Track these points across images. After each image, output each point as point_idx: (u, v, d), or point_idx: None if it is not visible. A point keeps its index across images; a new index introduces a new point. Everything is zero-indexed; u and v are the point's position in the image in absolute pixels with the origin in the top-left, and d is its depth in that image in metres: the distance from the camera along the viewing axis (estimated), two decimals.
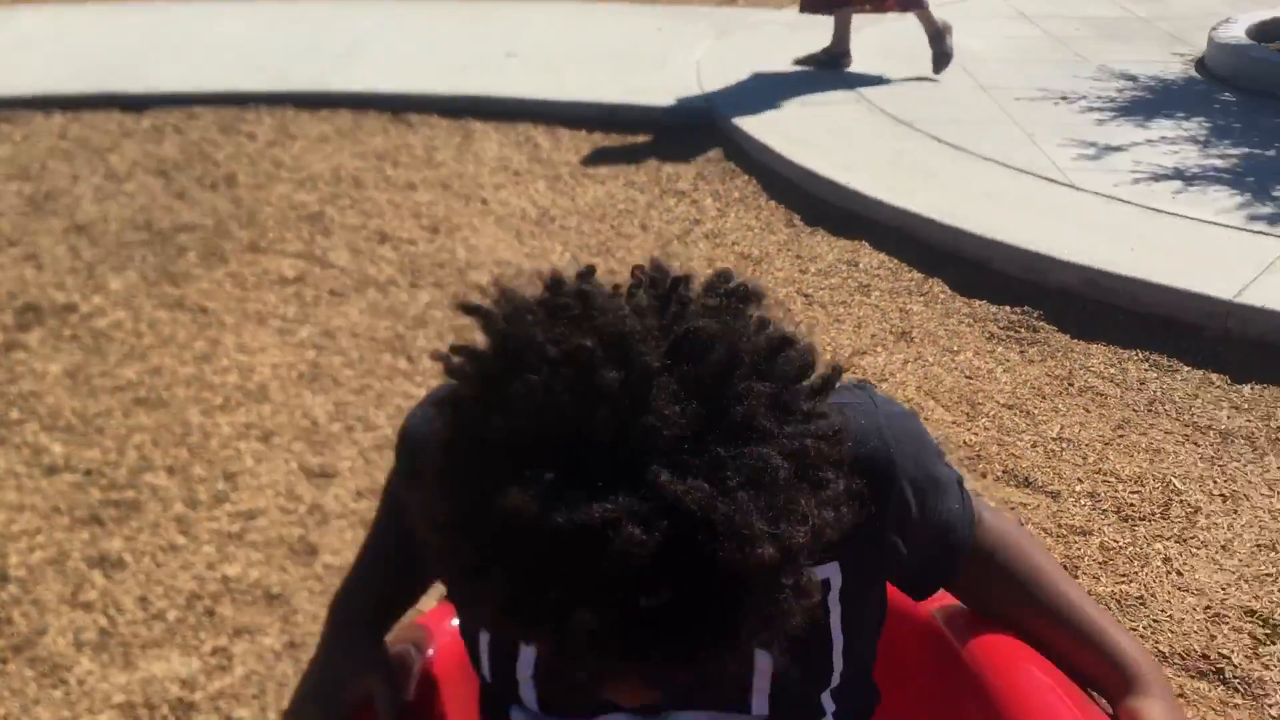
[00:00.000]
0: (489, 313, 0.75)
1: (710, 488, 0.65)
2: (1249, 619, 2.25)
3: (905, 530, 0.95)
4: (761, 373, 0.70)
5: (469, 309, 0.77)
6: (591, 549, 0.63)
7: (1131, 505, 2.61)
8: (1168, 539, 2.50)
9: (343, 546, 2.48)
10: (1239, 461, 2.77)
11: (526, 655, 0.94)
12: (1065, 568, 2.39)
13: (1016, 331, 3.39)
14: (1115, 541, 2.49)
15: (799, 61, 5.78)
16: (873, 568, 0.95)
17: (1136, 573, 2.39)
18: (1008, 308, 3.50)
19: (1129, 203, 3.96)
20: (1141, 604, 2.29)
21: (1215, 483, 2.69)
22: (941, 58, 5.49)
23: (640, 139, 5.10)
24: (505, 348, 0.72)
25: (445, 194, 4.52)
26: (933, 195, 4.04)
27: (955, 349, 3.30)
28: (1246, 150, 4.55)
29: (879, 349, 3.30)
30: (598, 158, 4.92)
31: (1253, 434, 2.88)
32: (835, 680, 0.97)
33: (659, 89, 5.52)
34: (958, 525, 1.01)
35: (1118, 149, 4.53)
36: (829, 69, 5.69)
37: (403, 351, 3.31)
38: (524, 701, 0.96)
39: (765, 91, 5.40)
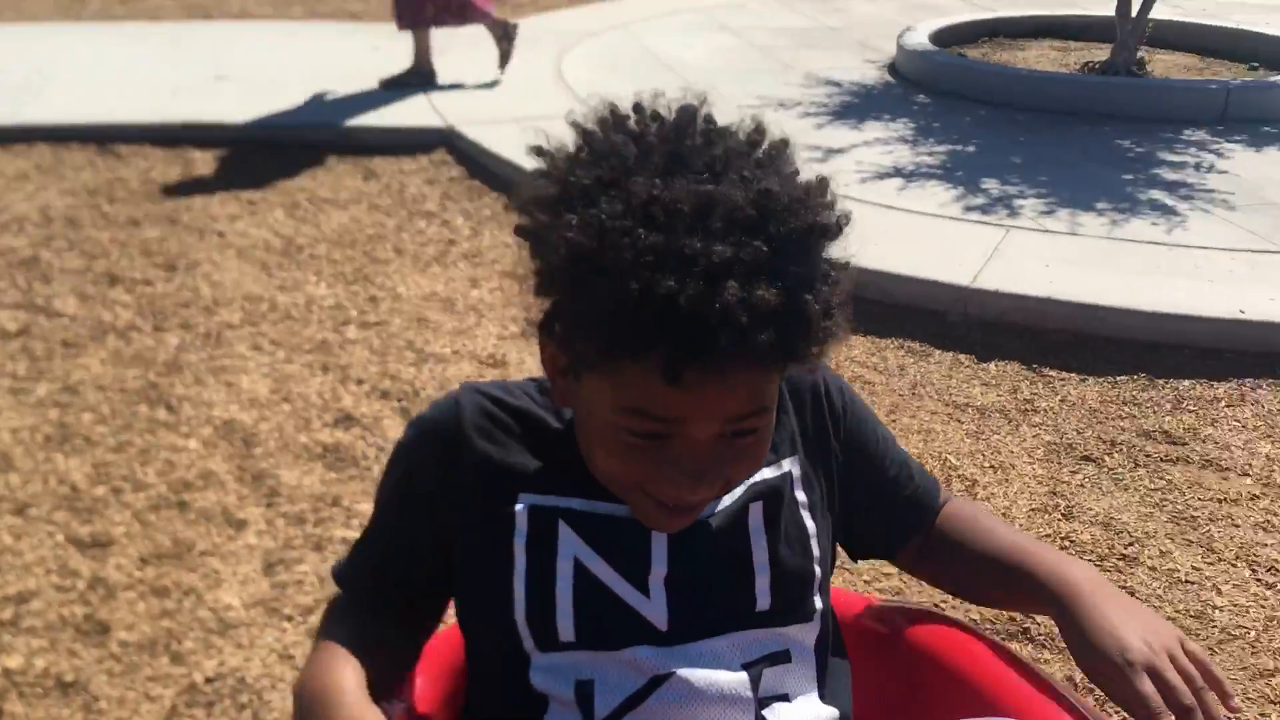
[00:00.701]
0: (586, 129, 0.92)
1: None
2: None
3: (843, 438, 1.10)
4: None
5: (574, 124, 0.93)
6: (709, 211, 0.82)
7: None
8: None
9: (137, 620, 2.27)
10: (999, 434, 3.01)
11: (564, 580, 0.99)
12: None
13: None
14: None
15: (385, 83, 5.74)
16: (824, 470, 1.09)
17: None
18: None
19: (862, 201, 4.21)
20: None
21: (983, 455, 2.91)
22: (506, 56, 5.90)
23: (378, 161, 4.97)
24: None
25: (175, 228, 4.23)
26: None
27: None
28: (950, 147, 4.95)
29: None
30: (335, 182, 4.75)
31: (1005, 408, 3.13)
32: (818, 573, 1.05)
33: (391, 109, 5.39)
34: (917, 478, 1.15)
35: (840, 151, 4.82)
36: (417, 87, 5.70)
37: (160, 401, 3.07)
38: (559, 633, 0.99)
39: (500, 108, 5.38)
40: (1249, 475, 2.82)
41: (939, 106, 5.61)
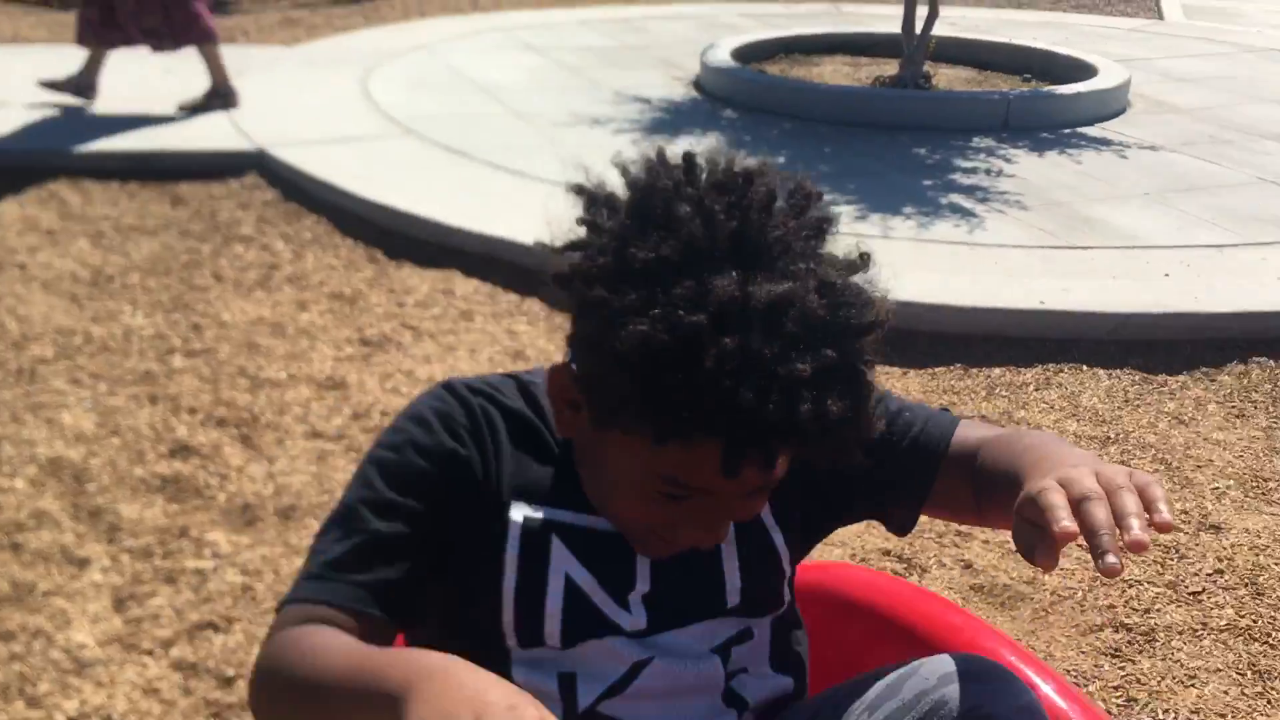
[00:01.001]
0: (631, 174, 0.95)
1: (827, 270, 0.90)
2: (886, 557, 2.59)
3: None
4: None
5: (622, 170, 0.96)
6: (783, 312, 0.84)
7: None
8: None
9: None
10: None
11: (554, 594, 1.01)
12: None
13: None
14: None
15: (184, 107, 5.54)
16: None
17: None
18: None
19: None
20: None
21: None
22: (207, 106, 5.55)
23: (185, 187, 4.79)
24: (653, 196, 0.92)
25: None
26: (513, 219, 4.18)
27: None
28: (762, 159, 5.14)
29: (500, 370, 3.37)
30: (140, 209, 4.56)
31: None
32: (787, 571, 1.10)
33: (195, 134, 5.21)
34: (925, 424, 1.13)
35: None
36: (217, 109, 5.56)
37: None
38: (545, 638, 1.01)
39: (310, 129, 5.27)
40: None
41: (746, 121, 5.82)
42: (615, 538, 1.03)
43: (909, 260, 3.95)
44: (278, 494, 2.70)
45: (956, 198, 4.66)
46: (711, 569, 1.07)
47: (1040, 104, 5.85)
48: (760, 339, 0.83)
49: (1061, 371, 3.47)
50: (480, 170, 4.77)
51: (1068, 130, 5.69)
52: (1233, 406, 3.28)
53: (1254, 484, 2.89)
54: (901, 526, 1.16)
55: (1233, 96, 6.58)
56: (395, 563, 0.99)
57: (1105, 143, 5.56)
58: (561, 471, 1.04)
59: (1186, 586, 2.49)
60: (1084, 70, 6.43)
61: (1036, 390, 3.36)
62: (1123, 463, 2.96)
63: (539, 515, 1.03)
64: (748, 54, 6.87)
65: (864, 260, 0.93)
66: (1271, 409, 3.27)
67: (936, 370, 3.46)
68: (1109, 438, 3.09)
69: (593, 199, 0.96)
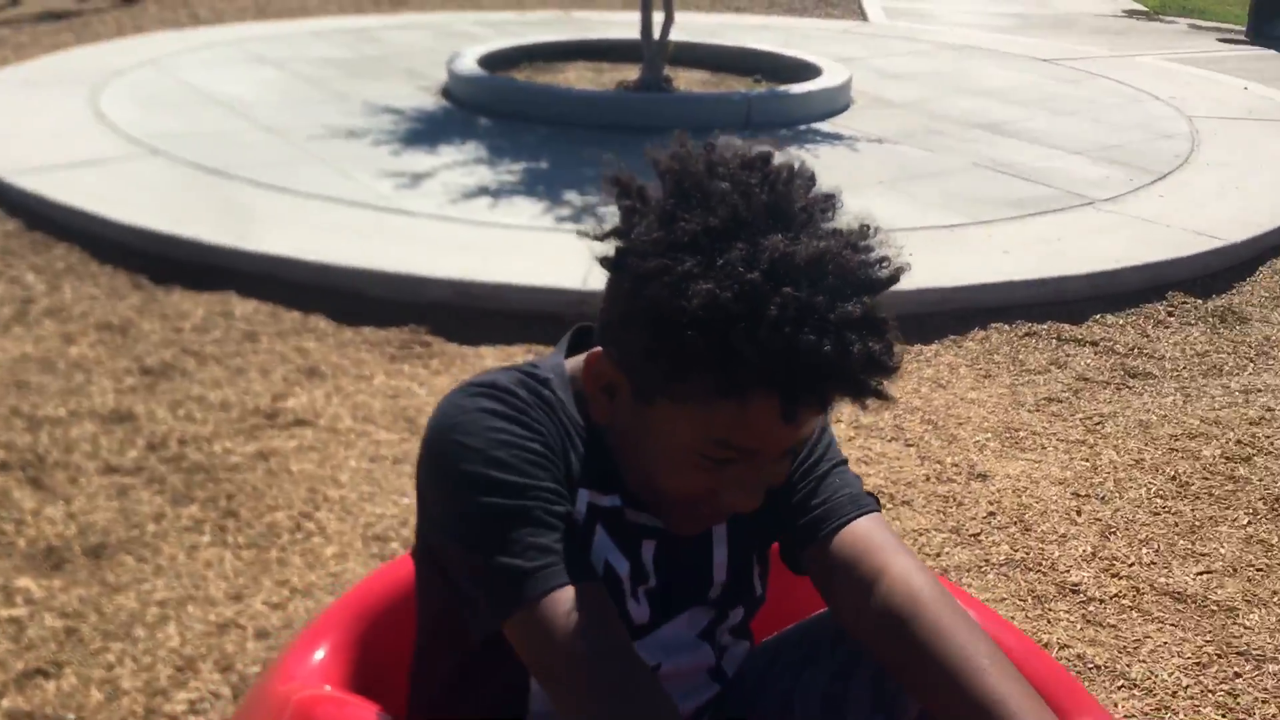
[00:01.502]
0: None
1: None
2: None
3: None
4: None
5: (654, 161, 1.05)
6: (825, 266, 0.94)
7: None
8: None
9: None
10: None
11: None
12: None
13: (412, 349, 3.62)
14: None
15: None
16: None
17: None
18: (395, 329, 3.72)
19: (460, 220, 4.38)
20: None
21: None
22: None
23: None
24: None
25: None
26: (284, 235, 4.10)
27: (368, 375, 3.45)
28: (525, 164, 5.24)
29: (297, 389, 3.33)
30: None
31: None
32: (758, 566, 1.18)
33: None
34: (832, 495, 1.15)
35: (426, 175, 4.96)
36: None
37: None
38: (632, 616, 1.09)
39: (45, 155, 4.97)
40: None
41: (502, 128, 5.90)
42: (639, 529, 1.10)
43: None
44: (82, 534, 2.59)
45: None
46: (702, 562, 1.15)
47: (777, 103, 6.23)
48: (810, 290, 0.92)
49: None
50: (241, 188, 4.64)
51: (803, 126, 6.08)
52: (980, 369, 3.65)
53: (1007, 435, 3.24)
54: (791, 565, 1.19)
55: (940, 90, 7.19)
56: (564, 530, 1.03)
57: (838, 137, 5.98)
58: (602, 459, 1.09)
59: (967, 530, 2.77)
60: (808, 70, 6.88)
61: None
62: (898, 427, 3.25)
63: (591, 500, 1.09)
64: (492, 62, 6.95)
65: (869, 228, 1.03)
66: (1011, 368, 3.66)
67: None
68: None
69: (626, 188, 1.04)
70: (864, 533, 1.12)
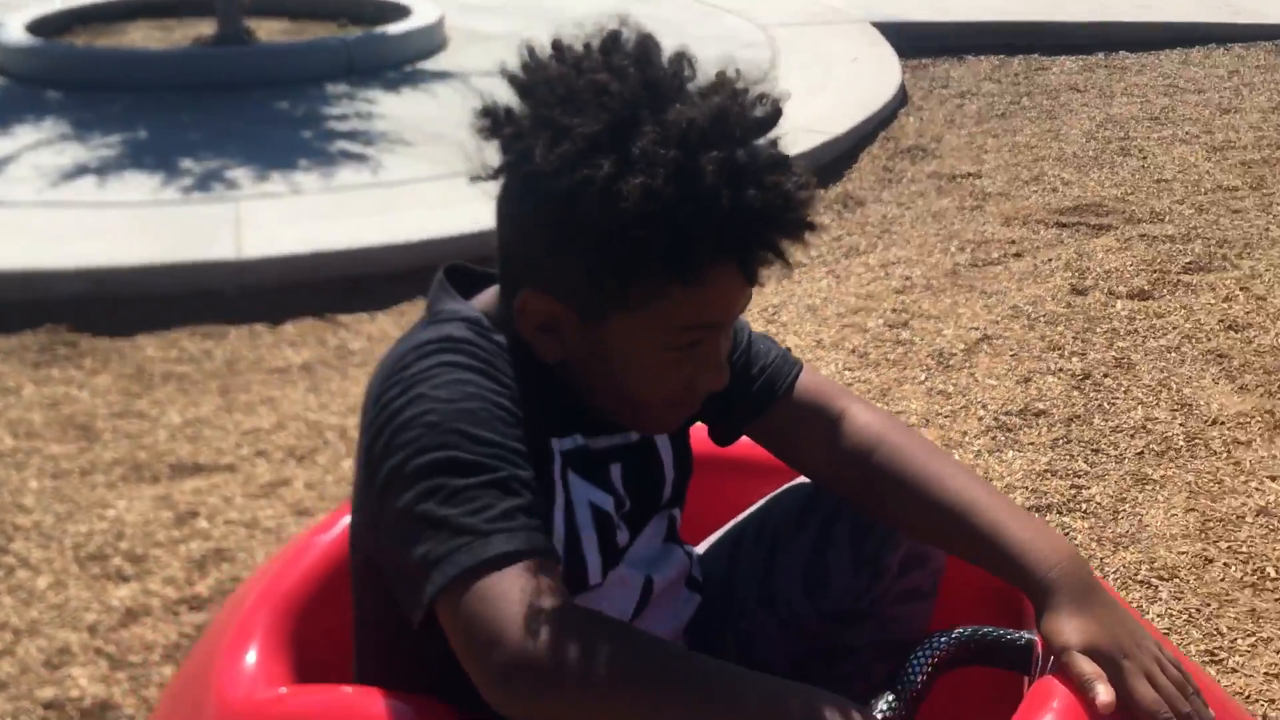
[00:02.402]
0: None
1: None
2: None
3: None
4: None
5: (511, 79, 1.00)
6: (726, 121, 0.94)
7: None
8: None
9: None
10: (331, 384, 3.14)
11: (585, 522, 1.05)
12: None
13: (56, 351, 3.24)
14: None
15: None
16: None
17: None
18: (29, 333, 3.30)
19: (74, 204, 3.94)
20: None
21: (332, 405, 3.03)
22: None
23: None
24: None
25: None
26: None
27: (13, 387, 3.04)
28: (122, 136, 4.76)
29: None
30: None
31: (325, 360, 3.26)
32: (689, 471, 1.19)
33: None
34: (771, 361, 1.16)
35: (10, 159, 4.38)
36: None
37: None
38: (589, 579, 1.05)
39: None
40: None
41: (79, 100, 5.30)
42: (605, 453, 1.07)
43: (334, 209, 3.97)
44: None
45: (343, 144, 4.71)
46: (656, 468, 1.14)
47: (378, 46, 6.02)
48: (727, 147, 0.92)
49: None
50: None
51: (408, 68, 5.94)
52: None
53: None
54: (723, 438, 1.21)
55: (530, 20, 7.25)
56: (534, 499, 0.92)
57: (445, 75, 5.89)
58: (548, 399, 1.03)
59: None
60: (395, 11, 6.69)
61: None
62: None
63: (562, 446, 1.04)
64: (42, 29, 6.21)
65: (733, 70, 1.01)
66: None
67: (404, 308, 3.56)
68: None
69: (497, 116, 0.98)
70: (812, 385, 1.17)
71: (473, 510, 0.88)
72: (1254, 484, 2.57)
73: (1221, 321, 3.31)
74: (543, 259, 0.98)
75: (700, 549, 1.28)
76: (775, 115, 0.98)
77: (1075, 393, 2.97)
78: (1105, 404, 2.91)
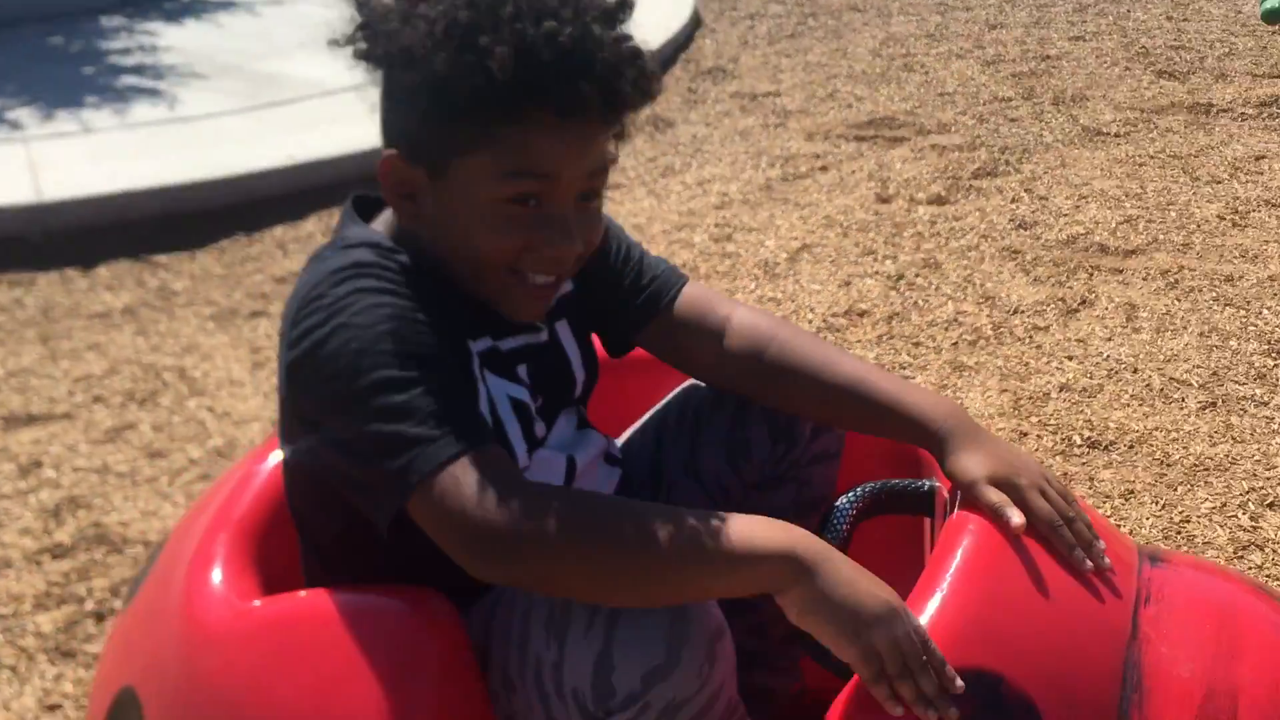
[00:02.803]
0: None
1: None
2: None
3: (605, 253, 1.24)
4: None
5: None
6: None
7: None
8: None
9: None
10: (168, 317, 3.05)
11: (508, 416, 1.11)
12: None
13: None
14: None
15: None
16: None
17: None
18: None
19: None
20: None
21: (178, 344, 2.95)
22: None
23: None
24: None
25: None
26: None
27: None
28: None
29: None
30: None
31: (131, 305, 3.15)
32: (596, 371, 1.27)
33: None
34: (659, 273, 1.26)
35: None
36: None
37: None
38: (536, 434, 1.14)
39: None
40: None
41: None
42: (513, 352, 1.13)
43: (135, 147, 3.79)
44: None
45: (133, 79, 4.48)
46: (563, 365, 1.20)
47: None
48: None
49: (320, 219, 3.69)
50: None
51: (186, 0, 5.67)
52: None
53: None
54: (615, 348, 1.30)
55: None
56: (467, 395, 1.01)
57: (228, 4, 5.65)
58: (457, 308, 1.08)
59: None
60: None
61: (322, 237, 3.55)
62: None
63: (478, 347, 1.10)
64: None
65: None
66: None
67: (224, 244, 3.46)
68: None
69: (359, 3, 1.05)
70: (697, 294, 1.27)
71: (417, 420, 0.96)
72: (1054, 364, 2.84)
73: (1012, 221, 3.60)
74: (393, 117, 1.06)
75: (621, 440, 1.36)
76: None
77: (892, 293, 3.18)
78: (920, 301, 3.14)
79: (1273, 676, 0.93)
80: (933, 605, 0.90)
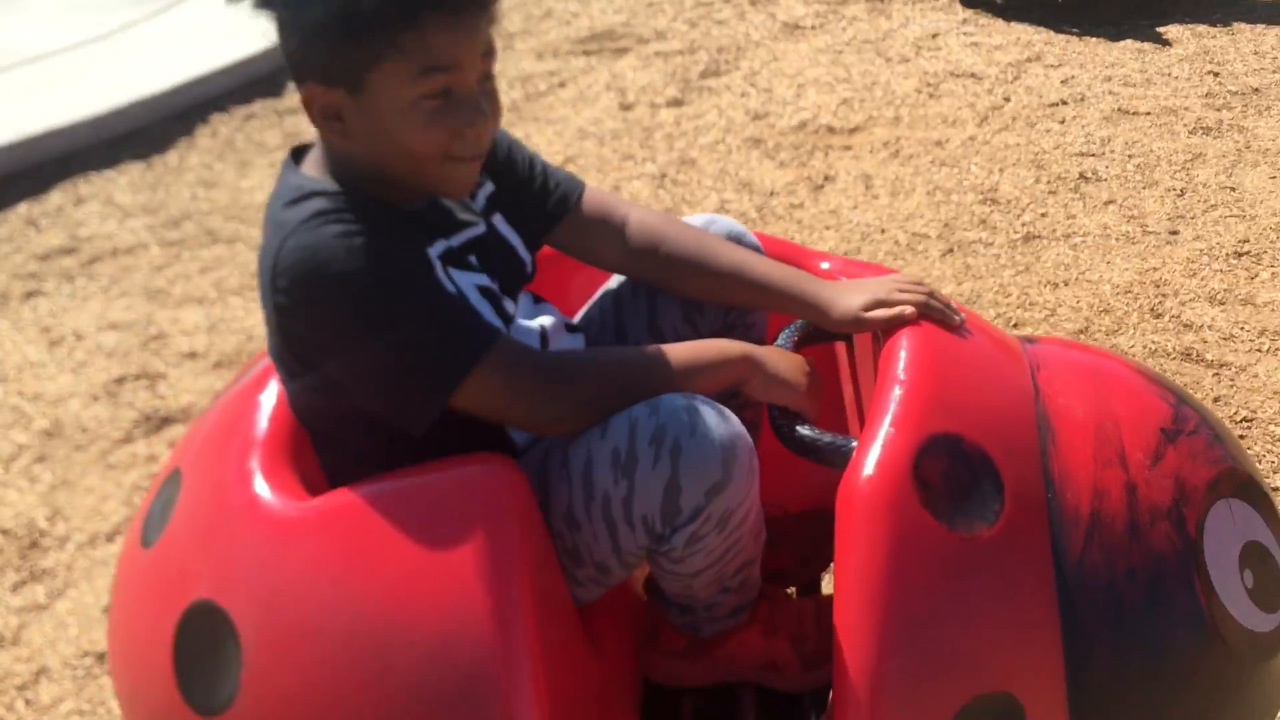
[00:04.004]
0: None
1: None
2: None
3: (513, 161, 1.40)
4: None
5: None
6: None
7: None
8: None
9: None
10: None
11: (479, 301, 1.26)
12: None
13: None
14: None
15: None
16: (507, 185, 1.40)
17: None
18: None
19: None
20: None
21: None
22: None
23: None
24: None
25: None
26: None
27: None
28: None
29: None
30: None
31: None
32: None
33: None
34: (562, 180, 1.42)
35: None
36: None
37: None
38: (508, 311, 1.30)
39: None
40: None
41: None
42: (462, 246, 1.26)
43: None
44: None
45: None
46: (509, 252, 1.35)
47: None
48: None
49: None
50: None
51: None
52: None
53: None
54: (528, 247, 1.43)
55: None
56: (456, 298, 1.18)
57: None
58: (405, 222, 1.20)
59: None
60: None
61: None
62: None
63: (434, 250, 1.22)
64: None
65: None
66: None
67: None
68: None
69: None
70: (599, 196, 1.46)
71: (439, 335, 1.14)
72: (816, 235, 3.20)
73: (747, 113, 3.94)
74: (303, 51, 1.16)
75: (577, 317, 1.53)
76: None
77: (661, 191, 3.45)
78: (687, 196, 3.42)
79: (1136, 404, 1.25)
80: (898, 392, 1.15)
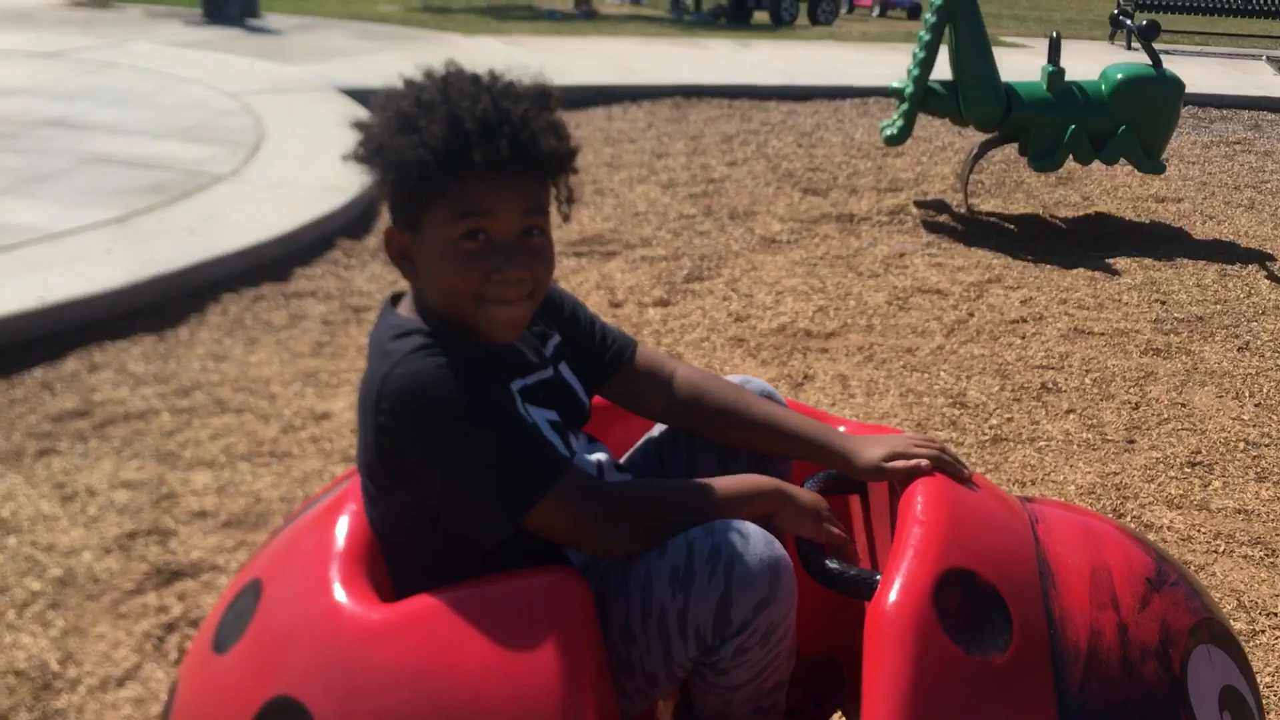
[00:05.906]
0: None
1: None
2: None
3: (576, 318, 1.60)
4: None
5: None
6: (489, 80, 1.36)
7: None
8: None
9: None
10: None
11: (550, 434, 1.44)
12: None
13: None
14: None
15: None
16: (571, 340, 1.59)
17: None
18: None
19: None
20: None
21: None
22: None
23: None
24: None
25: None
26: None
27: None
28: None
29: None
30: None
31: None
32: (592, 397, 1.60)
33: None
34: (617, 337, 1.61)
35: None
36: None
37: None
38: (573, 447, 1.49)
39: None
40: None
41: None
42: (534, 388, 1.43)
43: None
44: None
45: None
46: (573, 396, 1.52)
47: None
48: (478, 92, 1.33)
49: None
50: None
51: None
52: (246, 336, 3.91)
53: (313, 382, 3.62)
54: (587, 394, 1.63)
55: None
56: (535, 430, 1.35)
57: None
58: (490, 362, 1.37)
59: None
60: None
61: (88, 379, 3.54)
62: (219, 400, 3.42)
63: (516, 385, 1.40)
64: None
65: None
66: (270, 331, 3.98)
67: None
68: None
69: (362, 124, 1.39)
70: (647, 353, 1.66)
71: (518, 460, 1.31)
72: None
73: (729, 315, 4.19)
74: (388, 199, 1.37)
75: (622, 460, 1.69)
76: (541, 82, 1.39)
77: None
78: None
79: (1124, 556, 1.41)
80: (918, 531, 1.30)
